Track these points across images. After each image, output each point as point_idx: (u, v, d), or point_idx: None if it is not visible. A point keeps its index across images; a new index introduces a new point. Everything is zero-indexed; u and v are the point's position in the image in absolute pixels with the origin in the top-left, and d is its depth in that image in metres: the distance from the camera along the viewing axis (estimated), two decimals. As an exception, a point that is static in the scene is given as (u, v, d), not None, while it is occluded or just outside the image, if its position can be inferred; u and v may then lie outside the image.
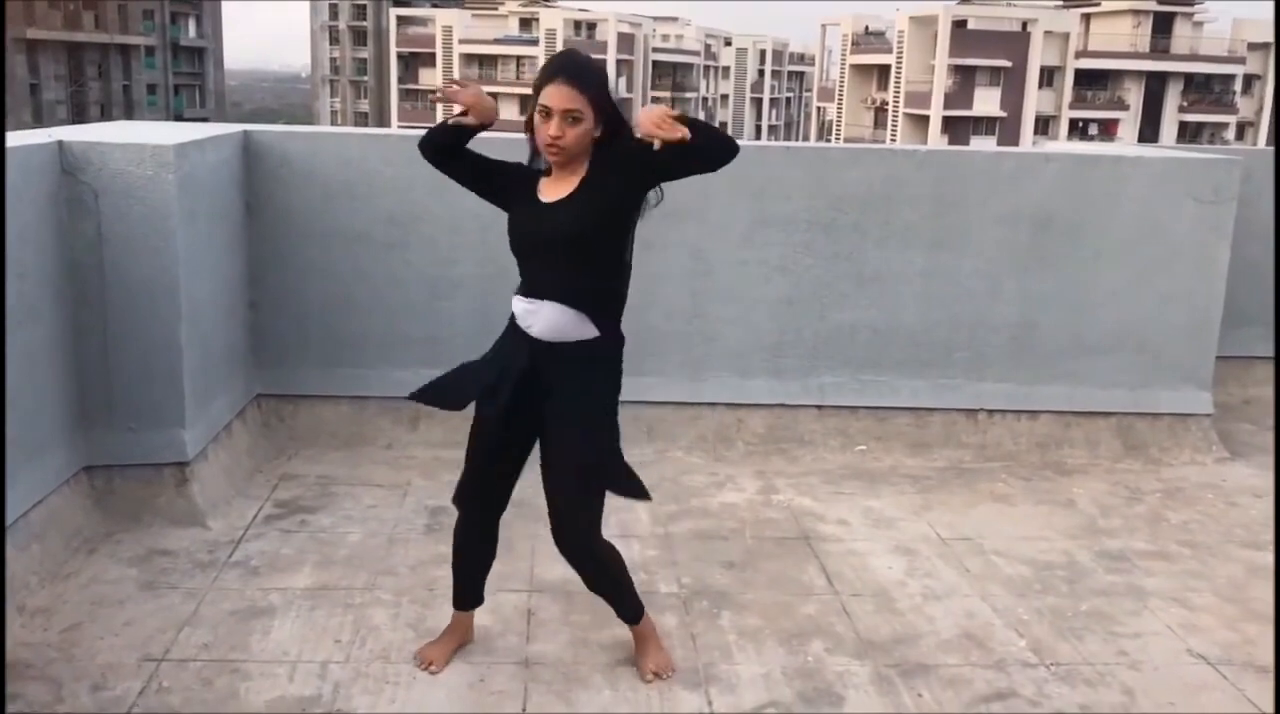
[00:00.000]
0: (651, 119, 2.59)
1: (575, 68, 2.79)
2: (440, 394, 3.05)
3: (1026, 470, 4.98)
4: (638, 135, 2.66)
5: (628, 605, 3.20)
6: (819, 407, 5.13)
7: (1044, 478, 4.91)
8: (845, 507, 4.49)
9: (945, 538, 4.22)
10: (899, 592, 3.76)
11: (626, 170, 2.77)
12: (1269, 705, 3.14)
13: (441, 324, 4.94)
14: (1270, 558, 4.14)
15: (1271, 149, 6.11)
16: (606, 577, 3.15)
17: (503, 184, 2.97)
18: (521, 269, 2.93)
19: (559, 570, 3.75)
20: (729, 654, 3.31)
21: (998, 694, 3.15)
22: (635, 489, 2.99)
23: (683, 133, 2.57)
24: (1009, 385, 5.19)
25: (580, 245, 2.83)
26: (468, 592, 3.25)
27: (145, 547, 3.84)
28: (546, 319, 2.88)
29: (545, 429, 2.96)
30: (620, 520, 4.18)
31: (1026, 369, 5.19)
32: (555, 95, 2.74)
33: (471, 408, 3.04)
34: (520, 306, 2.92)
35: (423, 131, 3.03)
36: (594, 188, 2.82)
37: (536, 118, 2.79)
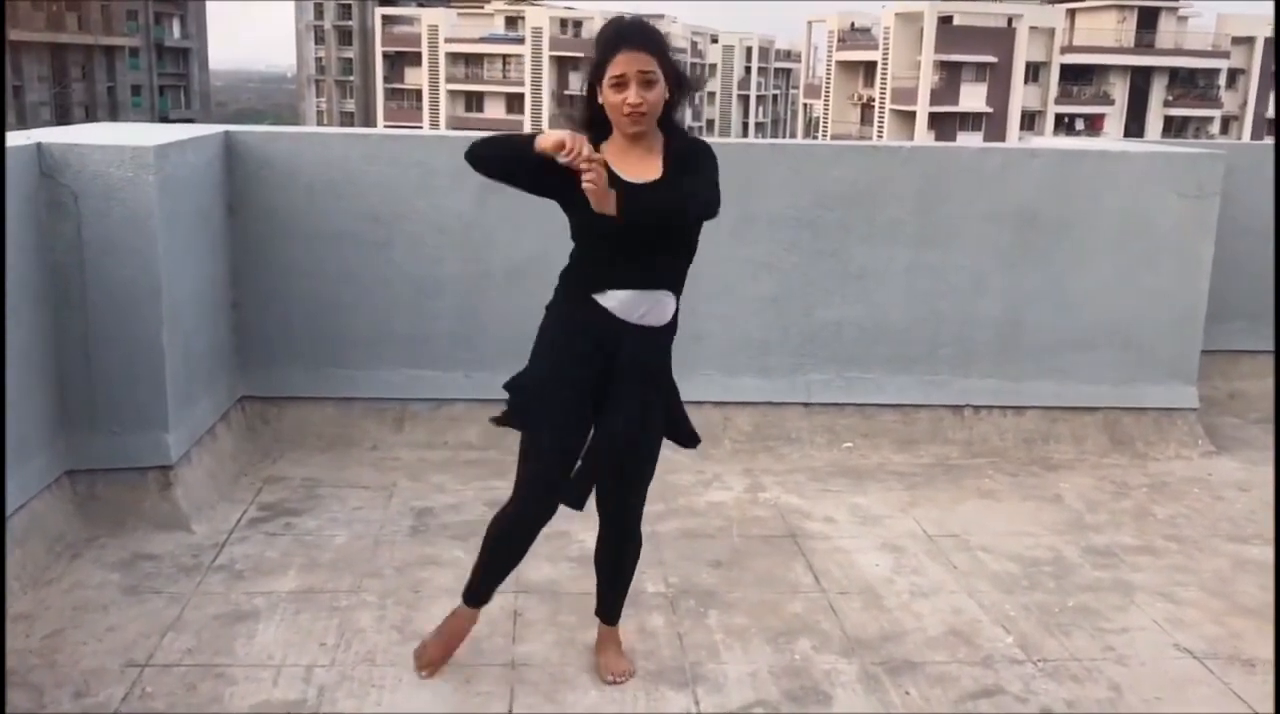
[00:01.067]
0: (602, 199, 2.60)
1: (639, 32, 2.76)
2: (523, 415, 2.94)
3: (1013, 466, 4.99)
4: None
5: (622, 604, 3.20)
6: (806, 404, 5.13)
7: (1030, 474, 4.91)
8: (832, 504, 4.48)
9: (932, 534, 4.22)
10: (886, 589, 3.75)
11: (694, 171, 2.79)
12: (1255, 699, 3.14)
13: (427, 324, 4.92)
14: (1256, 551, 4.15)
15: (1256, 143, 6.13)
16: (634, 564, 3.15)
17: (569, 186, 2.68)
18: (613, 256, 2.77)
19: (546, 571, 3.75)
20: (716, 653, 3.30)
21: (985, 691, 3.15)
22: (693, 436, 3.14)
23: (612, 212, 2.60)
24: (995, 381, 5.19)
25: (691, 226, 2.83)
26: (488, 587, 3.15)
27: (128, 551, 3.81)
28: (656, 308, 2.85)
29: (621, 408, 2.89)
30: (607, 520, 4.17)
31: (1013, 365, 5.19)
32: (628, 61, 2.69)
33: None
34: (622, 298, 2.81)
35: (470, 138, 2.86)
36: (681, 168, 2.79)
37: (608, 92, 2.72)
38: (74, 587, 3.56)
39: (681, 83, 2.80)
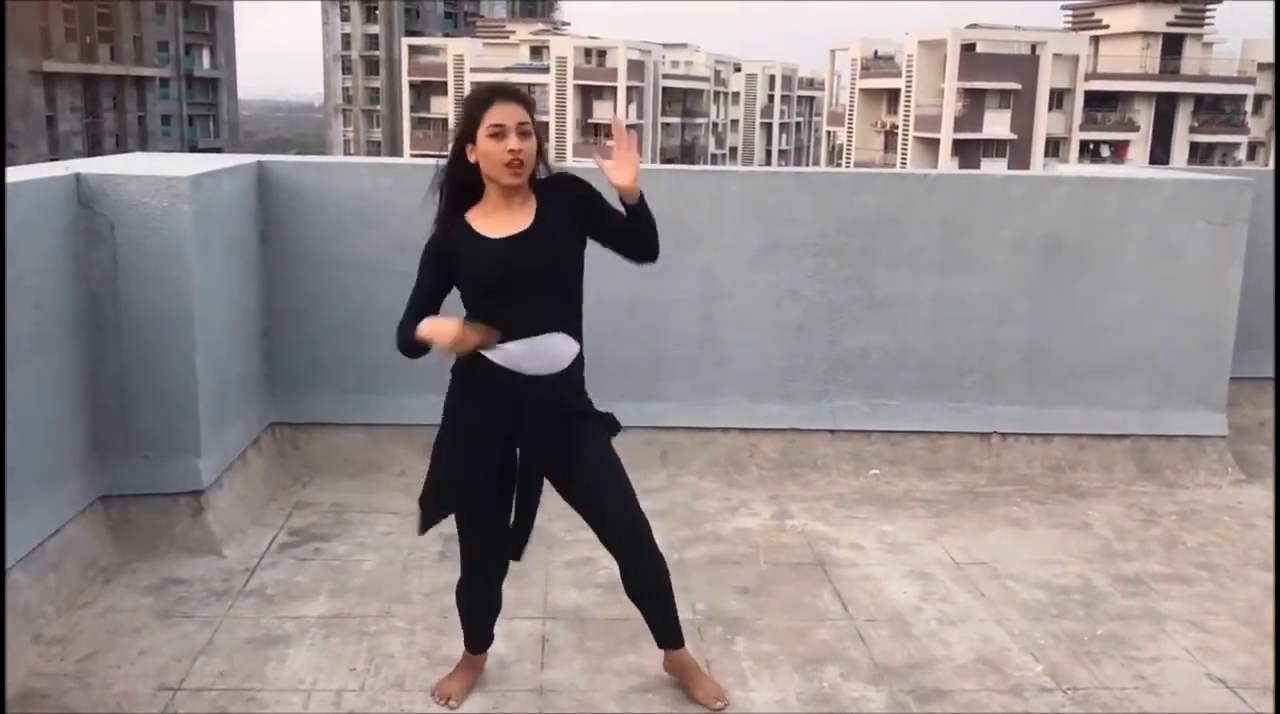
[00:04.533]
0: (619, 167, 2.76)
1: (512, 89, 2.87)
2: (440, 510, 3.06)
3: (1041, 493, 4.96)
4: (611, 174, 2.78)
5: (676, 620, 3.17)
6: (832, 431, 5.12)
7: (1059, 501, 4.89)
8: (859, 531, 4.47)
9: (960, 562, 4.20)
10: (914, 617, 3.74)
11: (577, 214, 2.89)
12: (1289, 730, 3.11)
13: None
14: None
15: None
16: (667, 580, 3.11)
17: (447, 266, 2.89)
18: (495, 311, 2.80)
19: (573, 597, 3.76)
20: (744, 680, 3.29)
21: (1015, 720, 3.13)
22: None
23: (633, 189, 2.77)
24: (1022, 408, 5.18)
25: (566, 269, 2.89)
26: (482, 637, 3.24)
27: (161, 576, 3.85)
28: (548, 353, 2.88)
29: (573, 455, 2.95)
30: (634, 546, 4.18)
31: (1039, 392, 5.18)
32: (505, 112, 2.79)
33: None
34: (510, 350, 2.83)
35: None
36: (555, 216, 2.88)
37: (486, 142, 2.78)
38: (107, 611, 3.59)
39: (541, 140, 2.88)
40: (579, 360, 2.96)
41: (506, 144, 2.78)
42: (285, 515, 4.46)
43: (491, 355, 2.82)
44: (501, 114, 2.78)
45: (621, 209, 2.86)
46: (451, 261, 2.88)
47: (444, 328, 2.73)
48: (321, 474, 4.85)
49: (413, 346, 2.83)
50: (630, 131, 2.84)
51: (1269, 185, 5.89)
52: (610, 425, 3.05)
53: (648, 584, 3.09)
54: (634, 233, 2.88)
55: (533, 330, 2.85)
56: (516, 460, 2.95)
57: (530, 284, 2.84)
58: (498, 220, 2.87)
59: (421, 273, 2.94)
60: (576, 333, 2.94)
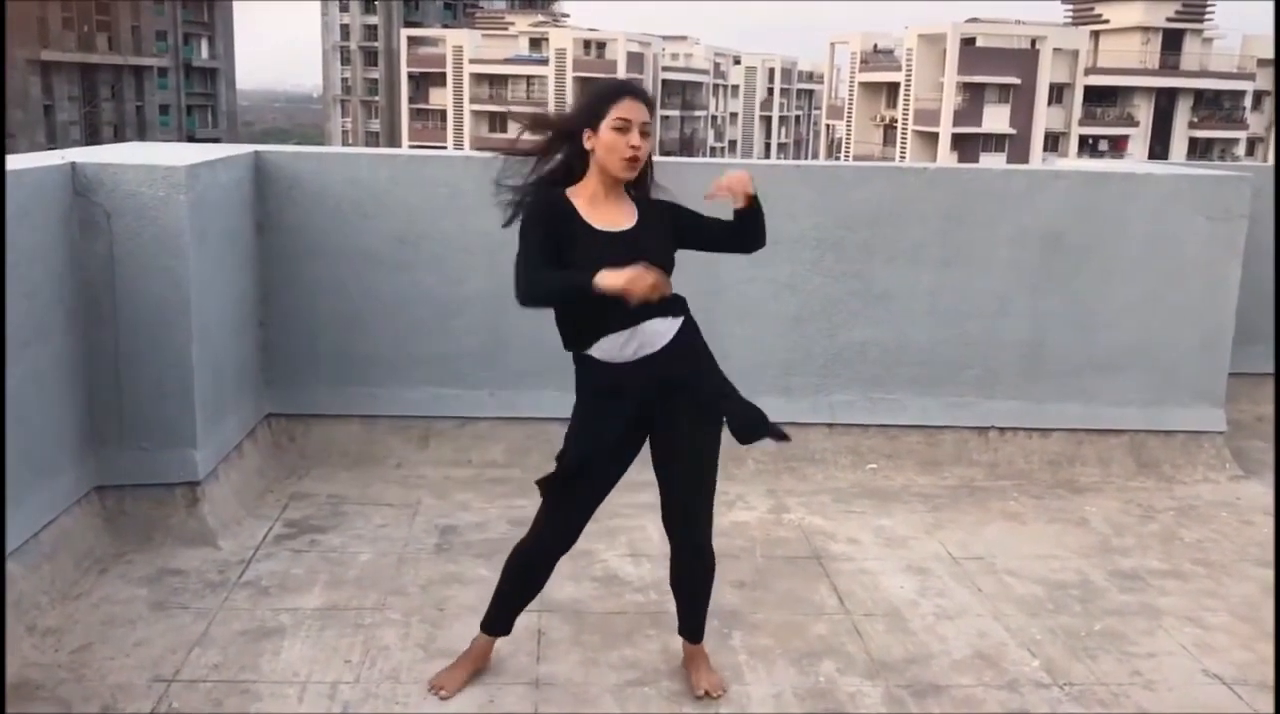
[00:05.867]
0: (741, 182, 2.95)
1: (641, 89, 2.97)
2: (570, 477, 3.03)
3: (1038, 489, 4.96)
4: (715, 191, 2.94)
5: (704, 621, 3.21)
6: (829, 425, 5.12)
7: (1056, 496, 4.89)
8: (856, 525, 4.47)
9: (957, 557, 4.20)
10: (911, 611, 3.74)
11: (672, 222, 3.01)
12: (1286, 726, 3.11)
13: (451, 342, 4.94)
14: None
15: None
16: (711, 580, 3.15)
17: (556, 239, 2.89)
18: (595, 301, 2.77)
19: (569, 590, 3.75)
20: (740, 674, 3.29)
21: (1011, 715, 3.13)
22: (778, 430, 3.14)
23: (747, 197, 2.97)
24: (1020, 403, 5.17)
25: (665, 270, 2.91)
26: (508, 619, 3.22)
27: (156, 567, 3.84)
28: (641, 336, 2.90)
29: (679, 432, 3.01)
30: (630, 540, 4.17)
31: (1037, 387, 5.17)
32: (634, 109, 2.88)
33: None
34: (607, 344, 2.90)
35: (533, 287, 2.89)
36: (656, 218, 2.99)
37: (609, 134, 2.86)
38: (102, 601, 3.58)
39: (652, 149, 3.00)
40: (683, 332, 2.97)
41: (629, 139, 2.86)
42: (281, 507, 4.45)
43: (594, 352, 2.92)
44: (630, 110, 2.87)
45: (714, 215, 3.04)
46: (558, 237, 2.88)
47: (634, 275, 2.69)
48: (318, 466, 4.84)
49: (579, 291, 2.77)
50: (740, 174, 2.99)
51: (1268, 181, 5.87)
52: (746, 417, 3.10)
53: (693, 580, 3.14)
54: (749, 231, 3.05)
55: (629, 321, 2.87)
56: (626, 443, 3.00)
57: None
58: (604, 212, 2.94)
59: (532, 236, 2.89)
60: (675, 310, 2.95)
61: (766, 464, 5.01)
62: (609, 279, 2.70)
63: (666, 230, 2.99)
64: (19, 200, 3.45)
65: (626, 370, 2.92)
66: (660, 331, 2.93)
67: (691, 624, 3.21)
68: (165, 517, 4.03)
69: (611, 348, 2.91)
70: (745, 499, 4.69)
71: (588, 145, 2.91)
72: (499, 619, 3.21)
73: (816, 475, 4.98)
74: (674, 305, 2.94)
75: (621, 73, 63.91)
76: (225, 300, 4.40)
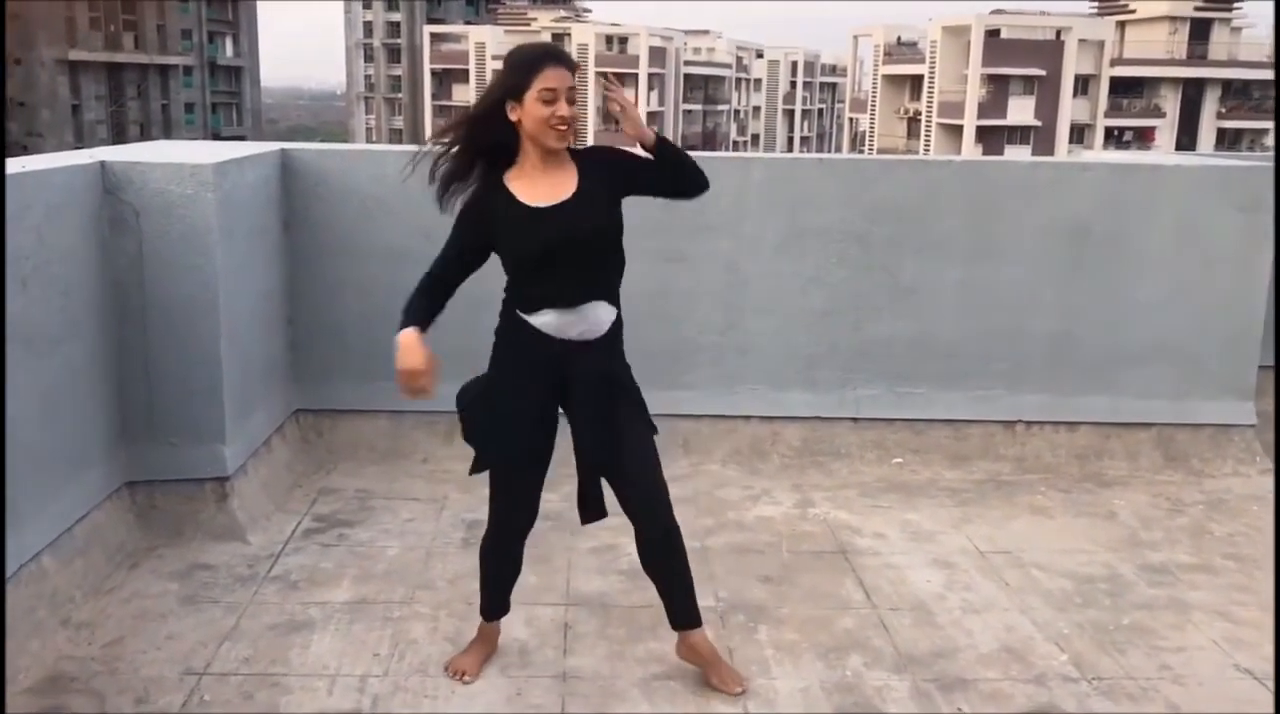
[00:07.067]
0: (632, 115, 2.86)
1: (563, 53, 2.85)
2: (487, 457, 3.08)
3: (1066, 482, 4.93)
4: (625, 130, 2.85)
5: (694, 603, 3.15)
6: (855, 419, 5.11)
7: (1084, 490, 4.86)
8: (882, 520, 4.46)
9: (984, 551, 4.18)
10: (938, 605, 3.73)
11: (614, 178, 2.90)
12: (1318, 721, 3.09)
13: (477, 338, 4.93)
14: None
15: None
16: (684, 557, 3.10)
17: (485, 232, 2.89)
18: (537, 279, 2.86)
19: (596, 584, 3.77)
20: (767, 669, 3.29)
21: (1039, 709, 3.11)
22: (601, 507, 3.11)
23: (644, 134, 2.83)
24: (1047, 396, 5.14)
25: (610, 237, 2.90)
26: (500, 604, 3.27)
27: (186, 561, 3.88)
28: (590, 320, 2.90)
29: (589, 429, 2.97)
30: (656, 534, 4.18)
31: (1065, 380, 5.14)
32: (559, 76, 2.77)
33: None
34: (552, 318, 2.89)
35: None
36: (594, 185, 2.88)
37: (535, 105, 2.77)
38: (133, 596, 3.62)
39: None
40: (617, 324, 2.98)
41: (557, 109, 2.77)
42: (309, 502, 4.48)
43: (534, 320, 2.89)
44: (555, 78, 2.76)
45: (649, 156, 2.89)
46: (489, 227, 2.87)
47: (411, 358, 2.92)
48: (345, 461, 4.87)
49: (399, 325, 2.91)
50: (612, 78, 2.89)
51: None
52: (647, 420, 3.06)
53: (665, 560, 3.08)
54: (671, 169, 2.90)
55: (575, 298, 2.87)
56: (555, 420, 3.01)
57: (575, 254, 2.85)
58: (539, 186, 2.86)
59: (454, 236, 2.93)
60: (615, 298, 2.96)
61: (792, 459, 5.01)
62: (402, 350, 2.94)
63: (607, 191, 2.89)
64: (50, 199, 3.49)
65: (564, 347, 2.90)
66: (602, 319, 2.92)
67: (684, 605, 3.13)
68: (195, 511, 4.07)
69: (559, 324, 2.88)
70: (771, 494, 4.69)
71: (513, 117, 2.80)
72: (493, 604, 3.25)
73: (842, 470, 4.97)
74: (610, 292, 2.93)
75: (644, 68, 63.94)
76: (253, 297, 4.44)
